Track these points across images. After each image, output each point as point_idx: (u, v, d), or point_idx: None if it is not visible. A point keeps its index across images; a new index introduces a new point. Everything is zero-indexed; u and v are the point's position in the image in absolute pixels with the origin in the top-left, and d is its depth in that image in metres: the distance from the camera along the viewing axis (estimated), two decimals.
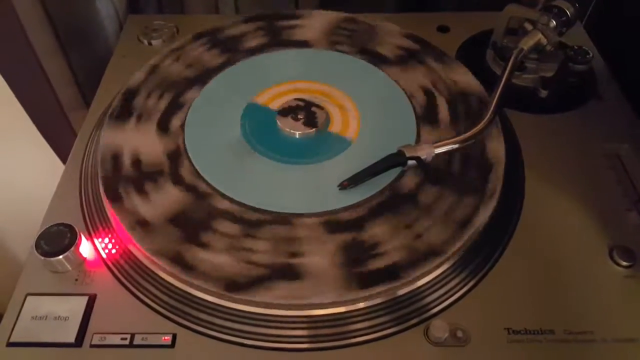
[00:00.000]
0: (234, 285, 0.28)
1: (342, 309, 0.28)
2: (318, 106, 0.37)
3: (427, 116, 0.37)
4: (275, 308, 0.28)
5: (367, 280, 0.28)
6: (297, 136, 0.36)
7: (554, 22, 0.38)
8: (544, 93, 0.39)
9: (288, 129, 0.36)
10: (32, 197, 0.45)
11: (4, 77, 0.47)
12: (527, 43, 0.37)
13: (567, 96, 0.39)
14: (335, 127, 0.36)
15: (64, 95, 0.51)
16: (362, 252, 0.29)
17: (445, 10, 0.48)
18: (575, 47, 0.40)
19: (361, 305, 0.28)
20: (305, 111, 0.36)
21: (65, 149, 0.38)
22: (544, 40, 0.37)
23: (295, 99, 0.37)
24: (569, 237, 0.32)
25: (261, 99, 0.38)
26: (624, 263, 0.30)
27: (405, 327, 0.28)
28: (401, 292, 0.29)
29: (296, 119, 0.36)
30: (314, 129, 0.36)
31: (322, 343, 0.27)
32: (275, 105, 0.37)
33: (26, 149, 0.54)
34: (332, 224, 0.30)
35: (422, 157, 0.31)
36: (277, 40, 0.43)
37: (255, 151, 0.35)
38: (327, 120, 0.37)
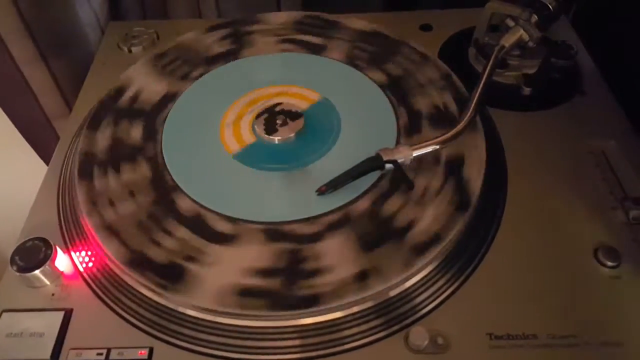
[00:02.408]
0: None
1: (328, 317, 0.28)
2: (293, 109, 0.36)
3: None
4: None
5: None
6: (277, 142, 0.35)
7: (536, 18, 0.37)
8: (527, 90, 0.38)
9: (265, 135, 0.35)
10: (20, 202, 0.44)
11: None
12: (508, 40, 0.36)
13: (551, 93, 0.39)
14: None
15: (47, 103, 0.50)
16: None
17: (429, 8, 0.48)
18: (559, 42, 0.39)
19: (339, 314, 0.28)
20: (282, 115, 0.36)
21: (51, 155, 0.38)
22: (526, 37, 0.36)
23: (269, 106, 0.37)
24: (553, 237, 0.31)
25: (230, 118, 0.37)
26: (609, 263, 0.30)
27: (385, 335, 0.27)
28: (381, 299, 0.28)
29: (274, 125, 0.36)
30: (293, 133, 0.35)
31: (303, 353, 0.27)
32: (250, 115, 0.37)
33: (13, 154, 0.54)
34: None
35: (400, 161, 0.30)
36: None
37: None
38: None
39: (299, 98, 0.38)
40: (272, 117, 0.36)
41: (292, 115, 0.36)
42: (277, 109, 0.36)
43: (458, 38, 0.44)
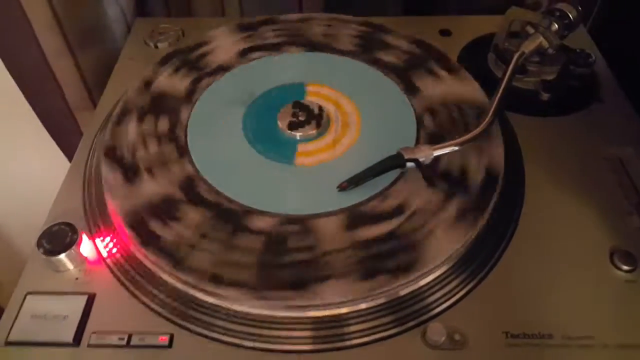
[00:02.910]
0: None
1: (343, 310, 0.28)
2: (319, 108, 0.37)
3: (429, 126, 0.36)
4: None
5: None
6: (298, 138, 0.36)
7: (556, 26, 0.37)
8: (545, 96, 0.39)
9: (288, 130, 0.36)
10: (39, 194, 0.45)
11: (13, 77, 0.48)
12: (528, 46, 0.37)
13: (569, 99, 0.39)
14: (333, 131, 0.36)
15: (72, 96, 0.51)
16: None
17: (449, 13, 0.49)
18: (578, 50, 0.40)
19: (362, 306, 0.28)
20: (307, 112, 0.37)
21: (72, 148, 0.39)
22: (546, 44, 0.37)
23: (296, 101, 0.37)
24: (569, 240, 0.31)
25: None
26: (625, 267, 0.30)
27: (403, 330, 0.28)
28: (400, 293, 0.29)
29: (297, 120, 0.36)
30: (314, 131, 0.36)
31: (319, 345, 0.27)
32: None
33: (34, 147, 0.55)
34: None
35: (421, 160, 0.31)
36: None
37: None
38: (328, 123, 0.37)
39: (320, 97, 0.39)
40: (295, 114, 0.37)
41: (315, 113, 0.37)
42: (301, 106, 0.37)
43: (477, 44, 0.44)
